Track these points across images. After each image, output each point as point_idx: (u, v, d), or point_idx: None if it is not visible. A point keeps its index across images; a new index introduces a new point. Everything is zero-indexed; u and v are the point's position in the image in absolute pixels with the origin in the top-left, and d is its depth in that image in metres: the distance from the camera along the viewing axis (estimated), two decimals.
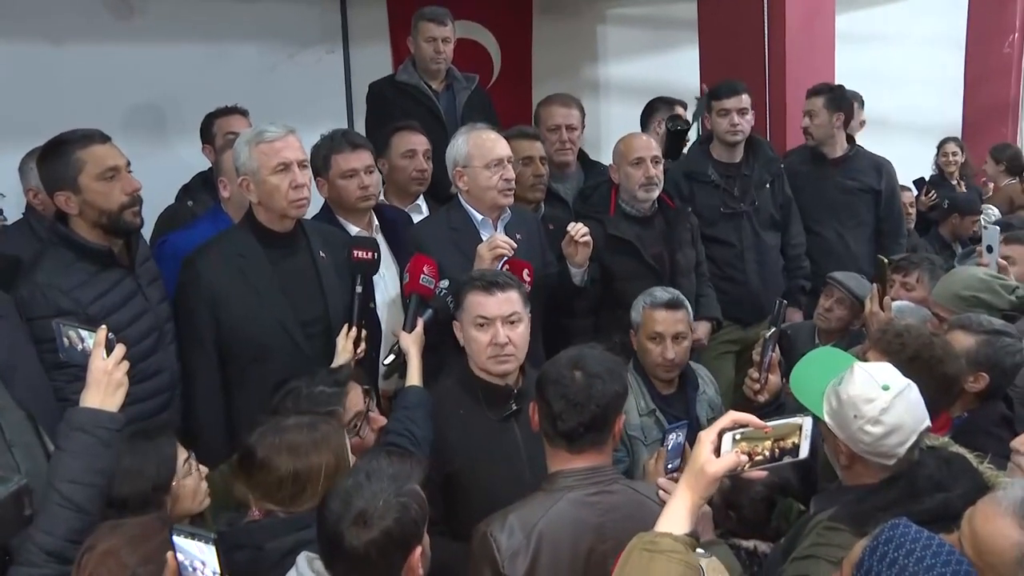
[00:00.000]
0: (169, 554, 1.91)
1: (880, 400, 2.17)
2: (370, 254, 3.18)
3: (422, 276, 3.15)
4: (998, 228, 3.82)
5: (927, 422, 2.23)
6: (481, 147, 3.47)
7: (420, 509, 1.99)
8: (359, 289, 3.12)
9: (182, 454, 2.40)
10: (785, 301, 3.57)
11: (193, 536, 1.88)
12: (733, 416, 1.89)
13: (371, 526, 1.91)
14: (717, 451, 1.86)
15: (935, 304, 3.49)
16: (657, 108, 5.18)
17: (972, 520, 1.88)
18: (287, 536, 2.18)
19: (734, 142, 4.47)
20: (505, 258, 3.30)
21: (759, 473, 1.94)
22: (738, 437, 1.86)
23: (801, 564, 2.21)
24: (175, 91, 5.11)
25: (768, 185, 4.54)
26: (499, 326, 2.85)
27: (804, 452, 1.94)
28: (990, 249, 3.75)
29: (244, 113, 4.39)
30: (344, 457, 2.36)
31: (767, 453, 1.88)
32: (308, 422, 2.37)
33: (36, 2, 4.77)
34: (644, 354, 3.50)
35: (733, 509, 2.93)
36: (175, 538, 1.89)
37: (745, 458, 1.86)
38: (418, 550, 1.98)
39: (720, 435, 1.87)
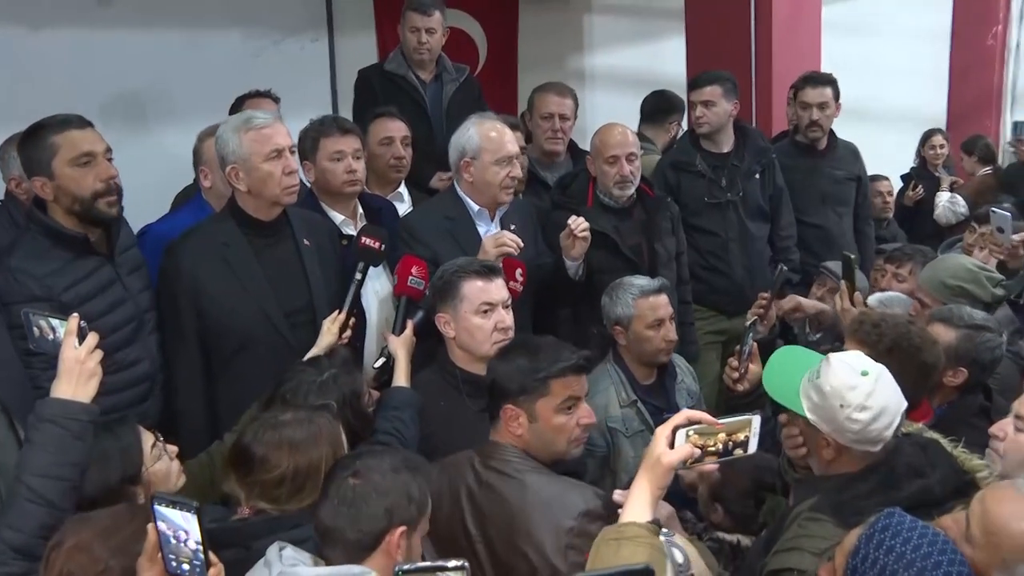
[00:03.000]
0: (150, 526, 1.85)
1: (863, 386, 2.19)
2: (378, 243, 3.15)
3: (410, 278, 3.12)
4: (1008, 213, 3.91)
5: (905, 403, 2.26)
6: (493, 141, 3.45)
7: (419, 495, 2.04)
8: (359, 276, 3.09)
9: (148, 439, 2.34)
10: (784, 267, 3.58)
11: (175, 504, 1.82)
12: (687, 414, 2.02)
13: (364, 479, 1.99)
14: (671, 445, 1.98)
15: (920, 290, 3.52)
16: (675, 108, 5.17)
17: (985, 500, 1.92)
18: (276, 536, 2.13)
19: (700, 133, 4.49)
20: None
21: (711, 466, 2.07)
22: (691, 433, 1.98)
23: (783, 556, 2.21)
24: (157, 78, 5.06)
25: (758, 175, 4.54)
26: (502, 311, 2.89)
27: (753, 447, 2.05)
28: (1001, 230, 3.84)
29: (275, 99, 4.35)
30: (342, 449, 2.35)
31: (720, 447, 2.01)
32: (305, 416, 2.34)
33: None
34: (643, 343, 3.47)
35: (720, 503, 2.94)
36: (156, 506, 1.83)
37: (698, 450, 1.98)
38: (401, 530, 1.98)
39: (675, 431, 1.98)
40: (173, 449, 2.43)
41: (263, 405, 2.62)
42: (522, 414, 2.50)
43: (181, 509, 1.82)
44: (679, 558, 2.04)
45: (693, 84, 4.58)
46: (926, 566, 1.75)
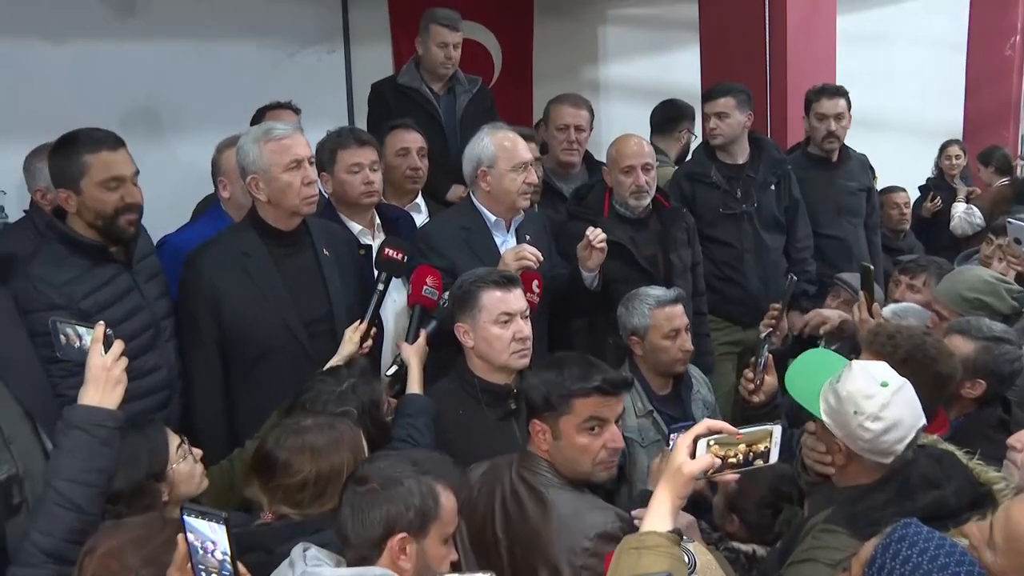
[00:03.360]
0: (179, 536, 1.88)
1: (880, 396, 2.18)
2: (400, 255, 3.18)
3: (424, 287, 3.15)
4: None
5: (923, 420, 2.25)
6: (508, 149, 3.48)
7: (422, 502, 2.02)
8: (381, 287, 3.12)
9: (174, 440, 2.39)
10: (795, 277, 3.57)
11: (204, 515, 1.84)
12: (708, 423, 2.00)
13: (366, 486, 2.01)
14: (693, 455, 1.97)
15: (937, 302, 3.49)
16: (684, 116, 5.17)
17: (1010, 508, 1.91)
18: (298, 540, 2.13)
19: (714, 145, 4.51)
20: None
21: (732, 476, 2.04)
22: (712, 443, 1.97)
23: (798, 568, 2.21)
24: (174, 90, 5.11)
25: (773, 186, 4.54)
26: (520, 321, 2.90)
27: (774, 458, 2.03)
28: (1018, 241, 3.81)
29: (296, 110, 4.38)
30: (362, 454, 2.37)
31: (740, 457, 1.99)
32: (326, 422, 2.38)
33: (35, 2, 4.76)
34: (659, 353, 3.47)
35: (737, 513, 2.94)
36: (186, 517, 1.85)
37: (718, 460, 1.97)
38: (400, 536, 1.99)
39: (695, 441, 1.96)
40: (198, 452, 2.47)
41: (283, 413, 2.64)
42: (547, 430, 2.49)
43: (209, 520, 1.83)
44: (684, 560, 2.05)
45: (707, 96, 4.61)
46: None
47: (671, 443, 2.80)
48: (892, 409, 2.18)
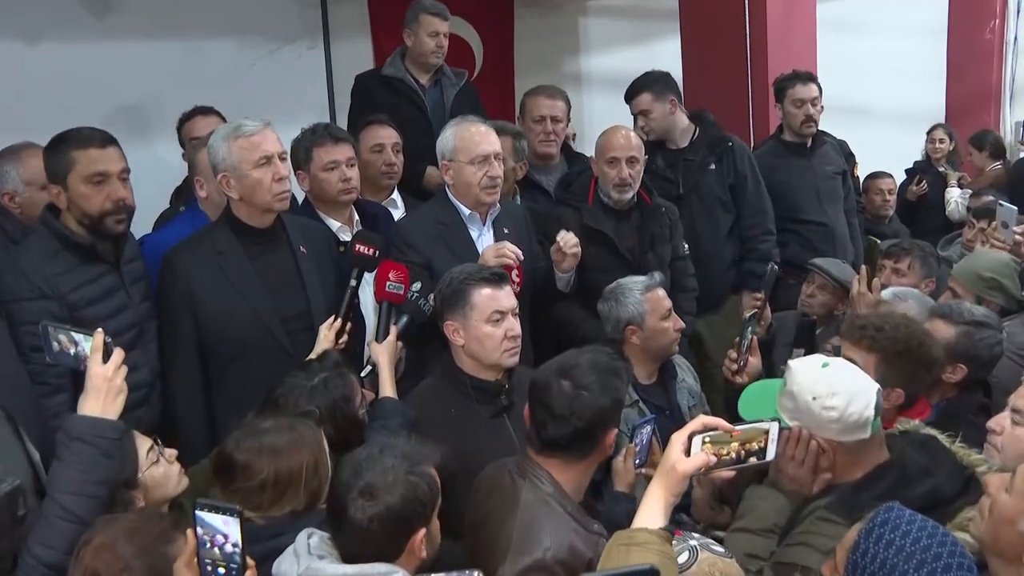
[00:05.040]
0: (189, 531, 1.88)
1: (826, 376, 2.23)
2: (372, 251, 3.16)
3: (388, 283, 3.12)
4: (1015, 208, 3.90)
5: (876, 384, 2.27)
6: (467, 142, 3.44)
7: (429, 491, 2.06)
8: (353, 283, 3.11)
9: (144, 444, 2.36)
10: (775, 266, 3.57)
11: (216, 509, 1.85)
12: (703, 420, 2.01)
13: (376, 499, 1.99)
14: (687, 452, 1.96)
15: (953, 281, 3.51)
16: None
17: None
18: (260, 544, 2.14)
19: (651, 140, 4.44)
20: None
21: (727, 473, 2.06)
22: (707, 440, 1.97)
23: (791, 551, 2.24)
24: (154, 89, 5.06)
25: (713, 166, 4.44)
26: (511, 318, 2.89)
27: (771, 455, 2.05)
28: (1005, 225, 3.82)
29: (206, 112, 4.31)
30: (323, 455, 2.36)
31: (733, 455, 2.00)
32: (286, 423, 2.37)
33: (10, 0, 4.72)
34: (659, 336, 3.46)
35: (728, 504, 2.92)
36: (197, 511, 1.86)
37: (713, 458, 1.97)
38: (422, 532, 2.02)
39: (690, 438, 1.97)
40: (172, 452, 2.44)
41: (258, 414, 2.63)
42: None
43: (223, 513, 1.84)
44: (682, 558, 2.05)
45: (626, 97, 4.57)
46: (926, 558, 1.75)
47: (635, 440, 2.83)
48: (843, 382, 2.22)
